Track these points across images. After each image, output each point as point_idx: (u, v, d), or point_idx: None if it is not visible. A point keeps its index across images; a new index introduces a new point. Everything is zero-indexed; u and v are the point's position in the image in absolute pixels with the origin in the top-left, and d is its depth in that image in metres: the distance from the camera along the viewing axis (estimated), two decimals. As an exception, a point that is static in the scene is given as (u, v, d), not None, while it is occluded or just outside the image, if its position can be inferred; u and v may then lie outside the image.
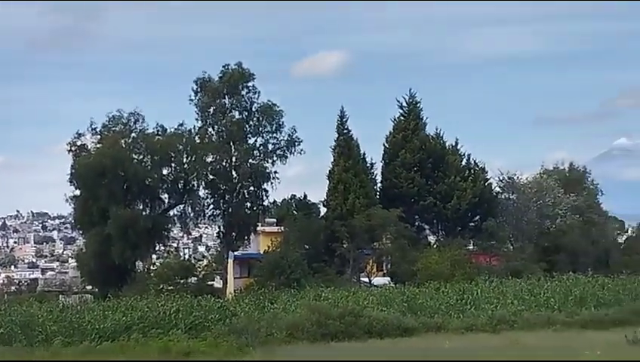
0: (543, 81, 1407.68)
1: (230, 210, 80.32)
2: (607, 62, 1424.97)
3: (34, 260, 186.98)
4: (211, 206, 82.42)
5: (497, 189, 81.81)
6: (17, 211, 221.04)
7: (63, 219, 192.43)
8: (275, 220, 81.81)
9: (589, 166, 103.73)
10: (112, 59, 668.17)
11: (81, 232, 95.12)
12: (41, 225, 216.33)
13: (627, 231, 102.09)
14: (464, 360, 30.56)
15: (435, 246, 75.53)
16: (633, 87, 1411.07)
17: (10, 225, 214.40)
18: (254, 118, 79.48)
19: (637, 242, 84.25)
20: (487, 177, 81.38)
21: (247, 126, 79.47)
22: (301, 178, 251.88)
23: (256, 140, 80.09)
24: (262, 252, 75.89)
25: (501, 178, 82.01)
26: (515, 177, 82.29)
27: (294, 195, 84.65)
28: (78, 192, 79.48)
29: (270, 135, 79.60)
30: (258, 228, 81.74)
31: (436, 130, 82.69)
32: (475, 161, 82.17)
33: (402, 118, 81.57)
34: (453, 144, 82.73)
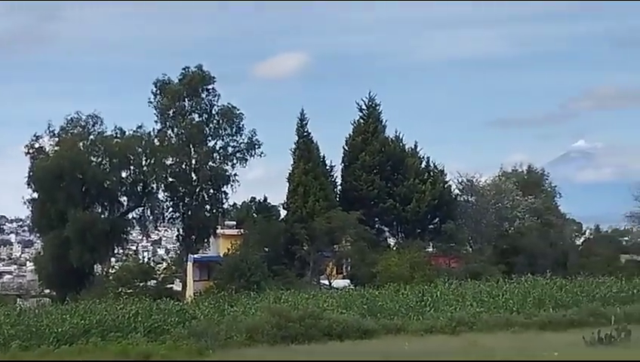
0: (502, 83, 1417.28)
1: (190, 213, 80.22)
2: (566, 64, 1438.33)
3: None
4: (171, 209, 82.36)
5: (456, 192, 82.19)
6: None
7: (21, 222, 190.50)
8: (234, 223, 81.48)
9: (547, 168, 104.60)
10: (70, 61, 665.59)
11: (38, 235, 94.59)
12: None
13: (585, 233, 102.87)
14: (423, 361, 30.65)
15: (394, 248, 75.71)
16: (591, 90, 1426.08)
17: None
18: (214, 121, 79.51)
19: (594, 244, 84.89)
20: (446, 180, 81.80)
21: (207, 128, 79.48)
22: (261, 181, 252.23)
23: (216, 143, 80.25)
24: (222, 255, 75.52)
25: (460, 180, 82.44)
26: (474, 180, 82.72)
27: (254, 198, 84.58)
28: (35, 195, 79.09)
29: (230, 138, 79.77)
30: (218, 231, 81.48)
31: (396, 132, 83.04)
32: (434, 164, 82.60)
33: (362, 120, 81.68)
34: (413, 147, 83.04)
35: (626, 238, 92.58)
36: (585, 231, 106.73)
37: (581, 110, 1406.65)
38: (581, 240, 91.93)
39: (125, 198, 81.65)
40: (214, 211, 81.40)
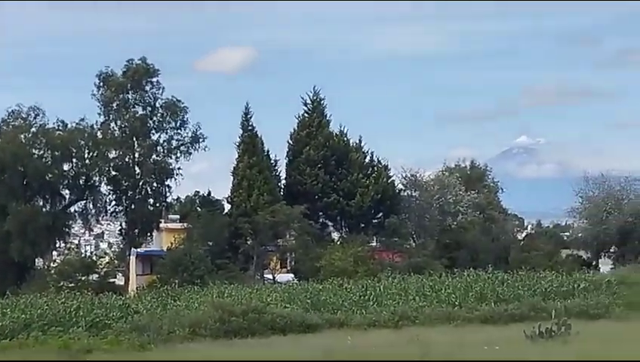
0: (446, 79, 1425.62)
1: (133, 207, 79.62)
2: (508, 61, 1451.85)
3: None
4: (113, 202, 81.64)
5: (400, 186, 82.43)
6: None
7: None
8: (178, 217, 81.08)
9: (489, 163, 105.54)
10: (11, 53, 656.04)
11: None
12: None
13: (526, 229, 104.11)
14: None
15: (338, 242, 75.78)
16: (533, 86, 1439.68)
17: None
18: (158, 114, 78.93)
19: (535, 239, 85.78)
20: (390, 174, 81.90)
21: (150, 122, 78.90)
22: (205, 175, 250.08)
23: (159, 136, 79.63)
24: (165, 249, 75.18)
25: (404, 175, 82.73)
26: (418, 174, 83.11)
27: (198, 192, 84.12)
28: (-24, 188, 77.75)
29: (174, 131, 79.25)
30: (161, 225, 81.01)
31: (340, 127, 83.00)
32: (378, 159, 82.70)
33: (306, 115, 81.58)
34: (357, 141, 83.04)
35: (567, 233, 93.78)
36: (527, 226, 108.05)
37: (523, 106, 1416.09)
38: (523, 235, 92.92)
39: (67, 191, 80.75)
40: (158, 205, 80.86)
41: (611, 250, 78.00)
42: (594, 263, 77.22)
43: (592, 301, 47.61)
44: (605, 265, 75.40)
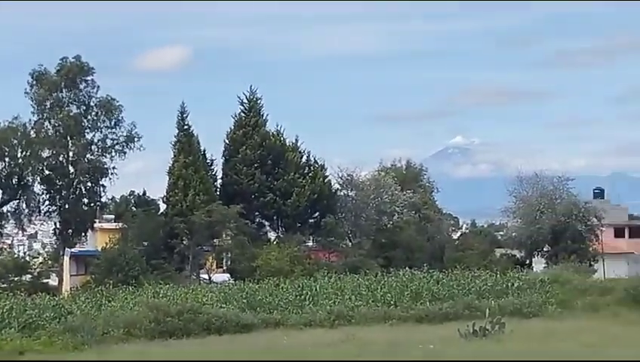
0: (383, 79, 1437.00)
1: (67, 206, 78.92)
2: (446, 62, 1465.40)
3: None
4: (47, 202, 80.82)
5: (336, 186, 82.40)
6: None
7: None
8: (113, 217, 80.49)
9: (425, 163, 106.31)
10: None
11: None
12: None
13: (461, 228, 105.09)
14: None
15: (274, 242, 75.69)
16: (469, 87, 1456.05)
17: None
18: (93, 113, 78.38)
19: (470, 238, 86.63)
20: (327, 174, 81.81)
21: (85, 120, 78.30)
22: (141, 174, 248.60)
23: (94, 135, 79.07)
24: (99, 249, 74.40)
25: (340, 175, 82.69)
26: (354, 174, 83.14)
27: (133, 191, 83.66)
28: None
29: (109, 130, 78.74)
30: (95, 225, 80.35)
31: (277, 126, 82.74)
32: (314, 158, 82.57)
33: (243, 114, 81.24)
34: (294, 141, 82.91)
35: (501, 233, 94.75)
36: (462, 225, 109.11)
37: (459, 107, 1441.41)
38: (458, 235, 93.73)
39: (0, 191, 79.74)
40: (92, 205, 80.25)
41: (544, 249, 78.72)
42: (527, 262, 78.01)
43: (526, 300, 48.18)
44: (538, 264, 76.23)
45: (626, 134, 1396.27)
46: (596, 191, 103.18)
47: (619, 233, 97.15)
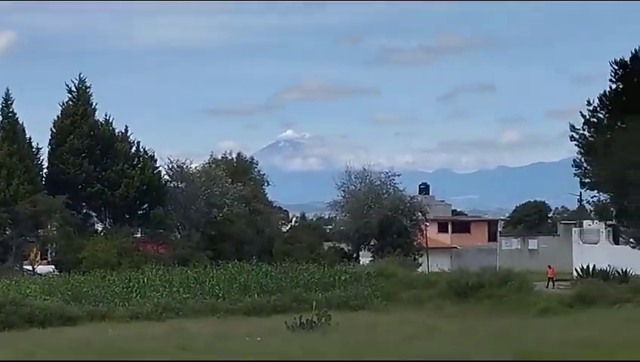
0: (214, 71, 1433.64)
1: None
2: (276, 56, 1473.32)
3: None
4: None
5: (166, 177, 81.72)
6: None
7: None
8: None
9: (256, 156, 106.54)
10: None
11: None
12: None
13: (291, 221, 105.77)
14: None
15: (102, 233, 74.64)
16: (300, 82, 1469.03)
17: None
18: None
19: (299, 232, 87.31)
20: (157, 165, 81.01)
21: None
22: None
23: None
24: None
25: (170, 166, 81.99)
26: (185, 166, 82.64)
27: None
28: None
29: None
30: None
31: (106, 116, 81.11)
32: (144, 149, 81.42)
33: (71, 102, 79.45)
34: (123, 131, 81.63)
35: (330, 226, 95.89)
36: (291, 218, 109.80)
37: (290, 101, 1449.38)
38: (287, 228, 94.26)
39: None
40: None
41: (371, 243, 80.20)
42: (354, 255, 79.36)
43: (352, 292, 49.22)
44: (365, 258, 77.72)
45: (450, 132, 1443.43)
46: (422, 186, 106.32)
47: (442, 228, 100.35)
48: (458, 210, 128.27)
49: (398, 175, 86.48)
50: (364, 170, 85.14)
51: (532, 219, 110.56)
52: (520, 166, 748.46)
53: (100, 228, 77.98)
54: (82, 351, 27.78)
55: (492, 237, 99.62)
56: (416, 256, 78.61)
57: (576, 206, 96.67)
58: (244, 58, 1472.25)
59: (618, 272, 60.77)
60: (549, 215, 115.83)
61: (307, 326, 33.15)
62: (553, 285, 64.64)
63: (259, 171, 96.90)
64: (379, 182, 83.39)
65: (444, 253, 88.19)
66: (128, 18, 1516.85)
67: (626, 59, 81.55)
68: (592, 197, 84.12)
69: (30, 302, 42.14)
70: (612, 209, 73.69)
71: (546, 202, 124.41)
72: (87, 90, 79.86)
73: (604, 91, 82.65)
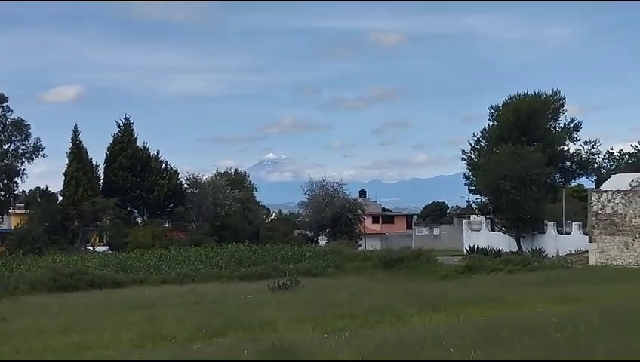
0: (218, 112, 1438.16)
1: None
2: (261, 102, 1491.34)
3: None
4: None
5: (185, 186, 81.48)
6: None
7: None
8: (23, 205, 77.29)
9: (248, 171, 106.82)
10: None
11: None
12: None
13: (272, 216, 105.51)
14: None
15: (141, 224, 74.22)
16: (277, 120, 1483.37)
17: None
18: (7, 130, 74.24)
19: (277, 223, 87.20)
20: (179, 177, 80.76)
21: (2, 135, 74.10)
22: (44, 175, 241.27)
23: (9, 146, 74.82)
24: (13, 228, 71.30)
25: (188, 178, 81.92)
26: (198, 178, 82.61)
27: (39, 187, 79.71)
28: None
29: (20, 142, 74.63)
30: (10, 211, 76.81)
31: (144, 143, 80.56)
32: (170, 166, 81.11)
33: (119, 134, 79.00)
34: (156, 153, 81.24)
35: (298, 219, 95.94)
36: (272, 214, 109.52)
37: (271, 133, 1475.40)
38: (269, 220, 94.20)
39: None
40: (7, 196, 76.09)
41: (327, 231, 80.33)
42: (315, 239, 79.41)
43: (314, 264, 49.28)
44: (322, 241, 77.74)
45: (380, 155, 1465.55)
46: (361, 192, 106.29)
47: (375, 220, 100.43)
48: (386, 208, 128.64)
49: (345, 184, 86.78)
50: (322, 180, 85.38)
51: (436, 214, 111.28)
52: (428, 178, 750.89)
53: (139, 221, 77.50)
54: (128, 304, 27.74)
55: (409, 226, 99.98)
56: (357, 240, 78.83)
57: (466, 205, 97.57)
58: (239, 103, 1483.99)
59: (494, 250, 61.30)
60: (448, 211, 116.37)
61: (282, 287, 33.26)
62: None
63: (250, 181, 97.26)
64: (332, 189, 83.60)
65: (376, 237, 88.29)
66: (160, 74, 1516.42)
67: (499, 105, 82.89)
68: (476, 199, 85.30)
69: (91, 272, 41.88)
70: (490, 207, 74.62)
71: (446, 202, 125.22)
72: (131, 125, 79.52)
73: (484, 127, 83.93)
